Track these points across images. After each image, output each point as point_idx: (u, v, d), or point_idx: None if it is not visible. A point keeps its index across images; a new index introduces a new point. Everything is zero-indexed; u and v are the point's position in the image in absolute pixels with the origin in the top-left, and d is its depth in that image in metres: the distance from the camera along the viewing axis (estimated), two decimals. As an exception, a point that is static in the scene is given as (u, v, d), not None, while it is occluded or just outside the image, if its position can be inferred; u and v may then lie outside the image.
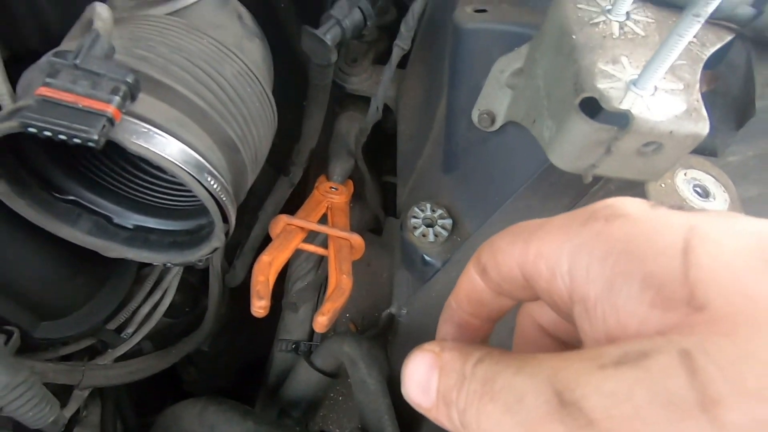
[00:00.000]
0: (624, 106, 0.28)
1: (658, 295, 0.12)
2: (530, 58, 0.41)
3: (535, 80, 0.40)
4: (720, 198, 0.35)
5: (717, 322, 0.11)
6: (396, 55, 0.48)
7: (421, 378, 0.16)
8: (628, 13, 0.35)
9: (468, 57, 0.46)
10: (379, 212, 0.68)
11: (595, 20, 0.34)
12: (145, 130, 0.33)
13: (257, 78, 0.45)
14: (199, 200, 0.37)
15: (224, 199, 0.38)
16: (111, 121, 0.30)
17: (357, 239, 0.51)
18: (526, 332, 0.19)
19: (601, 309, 0.13)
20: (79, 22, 0.39)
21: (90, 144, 0.29)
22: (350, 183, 0.64)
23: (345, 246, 0.50)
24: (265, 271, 0.44)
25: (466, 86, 0.49)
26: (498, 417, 0.13)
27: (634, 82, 0.29)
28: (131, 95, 0.31)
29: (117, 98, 0.30)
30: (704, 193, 0.35)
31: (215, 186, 0.37)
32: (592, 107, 0.30)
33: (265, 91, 0.47)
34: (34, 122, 0.28)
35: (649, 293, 0.13)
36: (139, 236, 0.46)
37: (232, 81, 0.41)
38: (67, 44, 0.38)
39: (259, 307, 0.44)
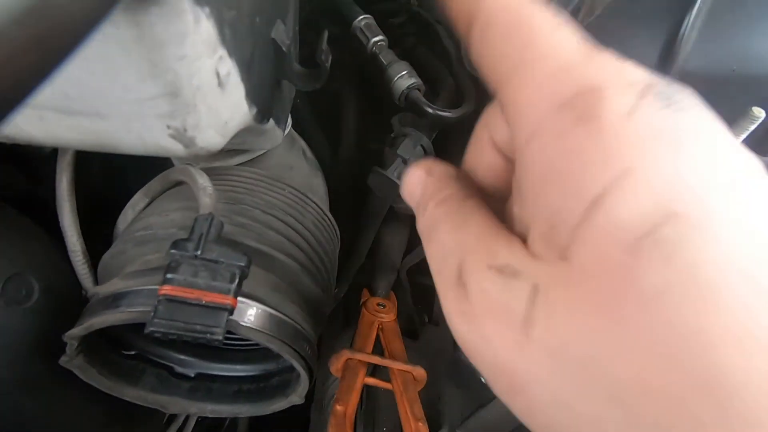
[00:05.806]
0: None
1: (549, 230, 0.14)
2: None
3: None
4: None
5: (570, 275, 0.13)
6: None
7: (411, 187, 0.20)
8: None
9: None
10: (413, 314, 0.67)
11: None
12: (251, 308, 0.32)
13: (330, 221, 0.45)
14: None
15: (313, 361, 0.37)
16: (231, 312, 0.29)
17: (420, 372, 0.49)
18: (479, 142, 0.20)
19: (523, 197, 0.16)
20: (162, 180, 0.39)
21: (214, 343, 0.27)
22: (393, 296, 0.64)
23: (410, 381, 0.48)
24: (343, 426, 0.41)
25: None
26: (431, 254, 0.17)
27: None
28: (245, 276, 0.30)
29: (234, 287, 0.29)
30: None
31: (309, 351, 0.36)
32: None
33: (336, 231, 0.47)
34: (163, 329, 0.26)
35: (545, 225, 0.14)
36: (202, 386, 0.43)
37: (314, 231, 0.41)
38: (153, 209, 0.37)
39: None
